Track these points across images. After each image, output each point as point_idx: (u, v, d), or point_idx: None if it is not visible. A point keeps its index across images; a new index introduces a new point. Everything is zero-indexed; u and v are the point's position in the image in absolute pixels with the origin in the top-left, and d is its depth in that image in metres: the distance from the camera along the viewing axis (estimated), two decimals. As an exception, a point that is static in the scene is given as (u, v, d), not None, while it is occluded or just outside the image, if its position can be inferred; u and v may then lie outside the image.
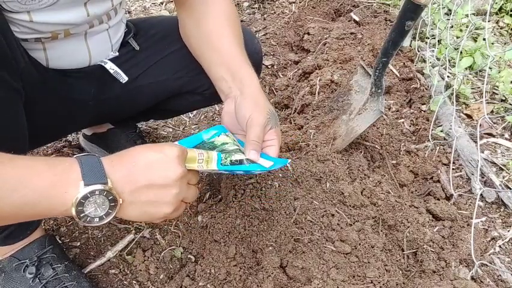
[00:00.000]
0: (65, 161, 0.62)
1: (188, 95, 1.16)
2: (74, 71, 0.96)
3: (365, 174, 1.18)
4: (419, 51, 1.75)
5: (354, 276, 0.94)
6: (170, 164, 0.65)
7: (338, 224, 1.03)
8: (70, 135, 1.47)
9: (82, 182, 0.60)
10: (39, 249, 0.96)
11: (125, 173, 0.64)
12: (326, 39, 1.82)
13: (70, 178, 0.60)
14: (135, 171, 0.64)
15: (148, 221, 0.76)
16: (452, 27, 1.79)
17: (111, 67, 1.00)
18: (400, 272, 0.98)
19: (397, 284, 0.93)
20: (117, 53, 1.04)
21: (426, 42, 1.79)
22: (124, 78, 1.01)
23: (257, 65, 1.15)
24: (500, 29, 2.03)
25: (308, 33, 1.94)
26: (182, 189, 0.68)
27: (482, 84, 1.64)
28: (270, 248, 0.97)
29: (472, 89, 1.61)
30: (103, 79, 1.02)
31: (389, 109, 1.48)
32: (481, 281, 0.99)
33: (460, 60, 1.63)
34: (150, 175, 0.64)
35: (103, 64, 1.00)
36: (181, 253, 1.06)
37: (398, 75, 1.61)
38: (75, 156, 0.63)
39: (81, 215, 0.61)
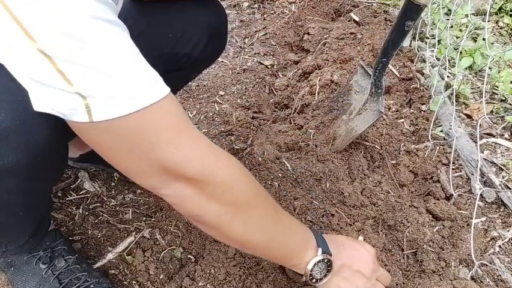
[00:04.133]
0: (303, 225, 0.82)
1: (169, 74, 1.08)
2: None
3: (364, 174, 1.18)
4: (418, 51, 1.75)
5: (354, 276, 0.94)
6: (372, 258, 0.85)
7: (337, 224, 1.03)
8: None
9: (320, 249, 0.79)
10: (51, 241, 0.97)
11: (336, 252, 0.82)
12: (326, 39, 1.82)
13: (310, 242, 0.79)
14: (343, 253, 0.83)
15: None
16: (451, 27, 1.79)
17: None
18: (400, 272, 0.98)
19: (397, 284, 0.93)
20: None
21: (426, 42, 1.79)
22: None
23: (220, 31, 1.09)
24: (500, 29, 2.03)
25: (308, 33, 1.94)
26: (372, 282, 0.84)
27: (482, 84, 1.64)
28: (270, 248, 0.97)
29: (472, 89, 1.61)
30: None
31: (389, 109, 1.48)
32: (481, 281, 0.99)
33: (460, 60, 1.63)
34: (355, 260, 0.84)
35: None
36: (181, 253, 1.06)
37: (398, 75, 1.61)
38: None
39: (310, 273, 0.79)
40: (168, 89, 0.60)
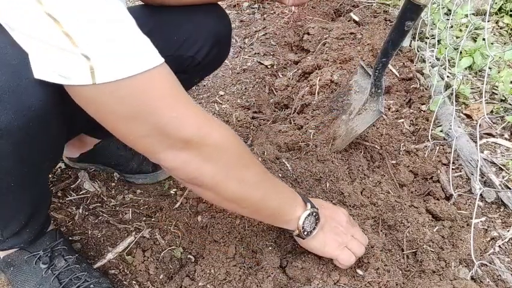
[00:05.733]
0: (287, 185, 0.92)
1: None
2: None
3: (364, 174, 1.18)
4: (418, 51, 1.75)
5: (354, 277, 0.94)
6: (347, 218, 0.96)
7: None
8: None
9: (309, 204, 0.87)
10: (51, 241, 0.97)
11: (319, 204, 0.92)
12: (326, 39, 1.82)
13: (298, 198, 0.87)
14: (324, 211, 0.92)
15: (322, 251, 0.93)
16: (451, 27, 1.79)
17: None
18: (400, 272, 0.98)
19: (397, 284, 0.93)
20: None
21: (426, 42, 1.79)
22: None
23: (224, 36, 1.11)
24: (500, 29, 2.03)
25: (308, 33, 1.94)
26: (349, 238, 0.92)
27: (482, 84, 1.64)
28: (270, 248, 0.97)
29: (472, 89, 1.61)
30: None
31: (389, 109, 1.48)
32: (481, 281, 0.99)
33: (460, 60, 1.63)
34: (334, 216, 0.94)
35: None
36: (181, 253, 1.06)
37: (398, 75, 1.61)
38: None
39: (302, 226, 0.86)
40: (163, 59, 0.63)
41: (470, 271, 1.00)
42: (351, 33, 1.81)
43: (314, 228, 0.88)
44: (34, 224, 0.91)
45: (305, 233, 0.87)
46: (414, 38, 1.83)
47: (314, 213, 0.87)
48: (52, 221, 1.02)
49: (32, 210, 0.87)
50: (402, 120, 1.44)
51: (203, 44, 1.04)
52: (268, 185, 0.82)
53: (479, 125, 1.45)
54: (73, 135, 1.16)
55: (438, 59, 1.68)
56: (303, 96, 1.54)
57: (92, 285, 0.94)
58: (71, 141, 1.23)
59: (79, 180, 1.28)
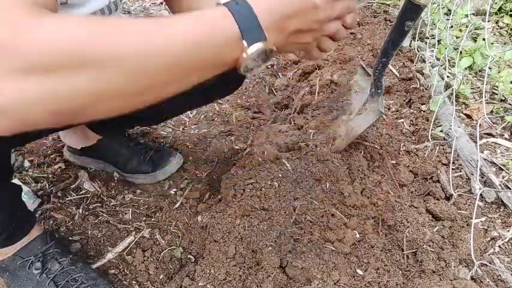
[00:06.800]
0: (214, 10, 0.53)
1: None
2: None
3: (364, 174, 1.18)
4: (418, 51, 1.75)
5: (354, 277, 0.94)
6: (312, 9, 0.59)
7: (337, 225, 1.03)
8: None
9: (244, 42, 0.52)
10: (42, 245, 0.96)
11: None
12: (326, 39, 1.82)
13: (226, 33, 0.51)
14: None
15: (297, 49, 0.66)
16: (451, 27, 1.79)
17: None
18: (400, 272, 0.98)
19: (397, 284, 0.93)
20: None
21: (426, 42, 1.79)
22: None
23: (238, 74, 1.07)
24: (500, 29, 2.03)
25: (308, 33, 1.94)
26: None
27: (482, 84, 1.64)
28: (270, 248, 0.97)
29: (472, 89, 1.61)
30: None
31: (389, 109, 1.48)
32: (481, 281, 0.99)
33: (460, 60, 1.63)
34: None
35: None
36: (181, 253, 1.06)
37: (398, 75, 1.61)
38: (222, 3, 0.53)
39: (244, 70, 0.56)
40: None
41: (470, 271, 1.00)
42: (351, 33, 1.81)
43: (267, 59, 0.56)
44: (8, 225, 0.90)
45: (253, 71, 0.58)
46: (414, 38, 1.83)
47: (260, 51, 0.53)
48: (42, 225, 1.01)
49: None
50: (402, 120, 1.44)
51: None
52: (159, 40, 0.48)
53: (479, 125, 1.46)
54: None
55: (438, 59, 1.68)
56: (303, 96, 1.54)
57: (89, 287, 0.94)
58: (75, 130, 1.25)
59: (79, 180, 1.28)
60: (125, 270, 1.05)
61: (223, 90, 1.17)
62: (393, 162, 1.27)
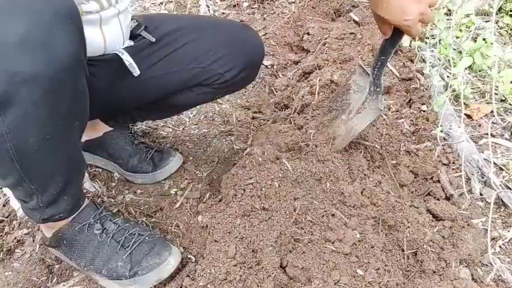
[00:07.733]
0: None
1: (196, 87, 1.17)
2: (91, 59, 0.97)
3: (365, 174, 1.18)
4: (419, 51, 1.75)
5: (354, 277, 0.94)
6: None
7: (337, 225, 1.03)
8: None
9: None
10: (95, 210, 1.01)
11: None
12: (326, 39, 1.82)
13: None
14: None
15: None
16: (449, 27, 1.79)
17: (127, 59, 1.03)
18: (400, 272, 0.98)
19: (397, 284, 0.93)
20: (132, 42, 1.07)
21: (426, 42, 1.79)
22: (136, 71, 1.05)
23: (256, 63, 1.20)
24: (500, 29, 2.03)
25: (308, 33, 1.94)
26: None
27: (482, 84, 1.64)
28: (270, 248, 0.97)
29: (472, 89, 1.61)
30: (117, 70, 1.04)
31: (389, 109, 1.48)
32: (481, 281, 0.99)
33: (460, 60, 1.63)
34: None
35: (120, 54, 1.02)
36: (181, 253, 1.06)
37: (398, 75, 1.61)
38: None
39: None
40: None
41: (470, 271, 1.00)
42: (351, 33, 1.81)
43: None
44: (70, 190, 0.92)
45: None
46: (414, 37, 1.83)
47: None
48: (86, 197, 1.04)
49: (68, 174, 0.89)
50: (402, 120, 1.44)
51: (235, 64, 1.12)
52: None
53: (479, 125, 1.46)
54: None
55: (438, 59, 1.68)
56: (303, 96, 1.54)
57: (147, 237, 1.00)
58: None
59: (79, 180, 1.28)
60: (126, 270, 1.04)
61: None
62: (394, 162, 1.27)
